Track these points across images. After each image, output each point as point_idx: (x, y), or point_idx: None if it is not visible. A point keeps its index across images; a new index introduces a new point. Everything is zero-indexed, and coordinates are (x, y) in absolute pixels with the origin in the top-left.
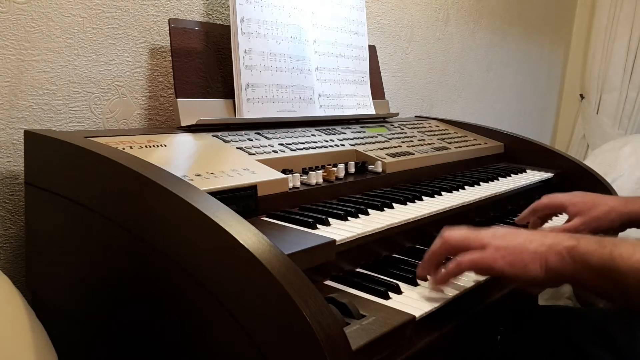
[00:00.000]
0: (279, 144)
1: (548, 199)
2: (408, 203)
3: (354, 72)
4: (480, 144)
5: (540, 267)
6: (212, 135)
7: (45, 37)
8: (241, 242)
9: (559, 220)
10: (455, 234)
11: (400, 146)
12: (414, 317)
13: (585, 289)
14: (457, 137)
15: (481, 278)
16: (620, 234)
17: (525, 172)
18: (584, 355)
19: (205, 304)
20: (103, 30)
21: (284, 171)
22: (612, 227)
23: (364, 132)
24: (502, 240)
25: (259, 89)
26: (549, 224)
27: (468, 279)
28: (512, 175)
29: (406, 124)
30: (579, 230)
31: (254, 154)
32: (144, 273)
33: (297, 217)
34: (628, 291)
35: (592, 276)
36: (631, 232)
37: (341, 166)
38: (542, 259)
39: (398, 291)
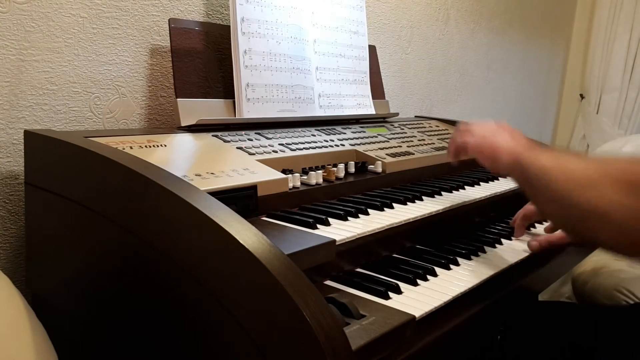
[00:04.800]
0: (279, 144)
1: None
2: (408, 203)
3: (354, 72)
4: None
5: (500, 163)
6: (212, 135)
7: (45, 37)
8: (241, 242)
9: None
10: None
11: (400, 146)
12: (414, 317)
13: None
14: None
15: (481, 278)
16: None
17: None
18: (583, 353)
19: (205, 303)
20: (103, 30)
21: (284, 171)
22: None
23: (364, 132)
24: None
25: (259, 89)
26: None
27: (468, 280)
28: None
29: (406, 124)
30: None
31: (254, 154)
32: (144, 273)
33: (297, 217)
34: (533, 189)
35: (518, 175)
36: None
37: (341, 166)
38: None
39: (398, 291)
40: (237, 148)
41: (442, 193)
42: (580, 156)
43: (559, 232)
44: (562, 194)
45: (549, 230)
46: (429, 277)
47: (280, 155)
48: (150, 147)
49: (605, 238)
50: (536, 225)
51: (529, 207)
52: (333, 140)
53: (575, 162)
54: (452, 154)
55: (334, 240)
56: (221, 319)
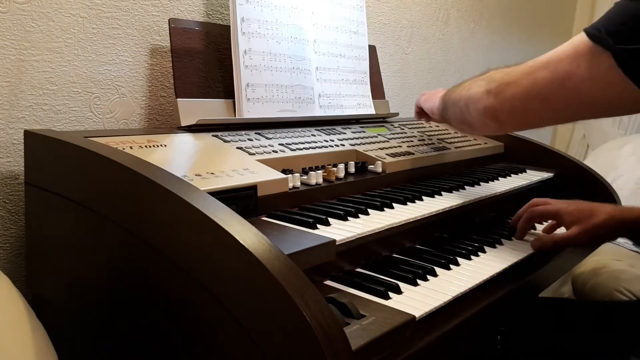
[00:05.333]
0: (279, 144)
1: (543, 208)
2: (408, 203)
3: (354, 72)
4: (480, 144)
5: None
6: (212, 135)
7: (45, 37)
8: (241, 242)
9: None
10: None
11: (400, 146)
12: (414, 317)
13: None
14: (457, 137)
15: (480, 278)
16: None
17: (525, 172)
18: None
19: (205, 304)
20: (103, 30)
21: (284, 171)
22: (611, 235)
23: (364, 132)
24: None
25: (259, 89)
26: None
27: (468, 280)
28: (512, 175)
29: (406, 124)
30: (578, 239)
31: (254, 154)
32: (144, 273)
33: (297, 217)
34: (450, 120)
35: (442, 109)
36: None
37: (341, 166)
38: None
39: (398, 291)
40: (237, 148)
41: (442, 193)
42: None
43: (561, 233)
44: (458, 100)
45: (547, 229)
46: (429, 277)
47: (280, 155)
48: (150, 147)
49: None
50: (536, 226)
51: (533, 210)
52: (333, 140)
53: (460, 88)
54: (415, 113)
55: (334, 240)
56: (221, 319)
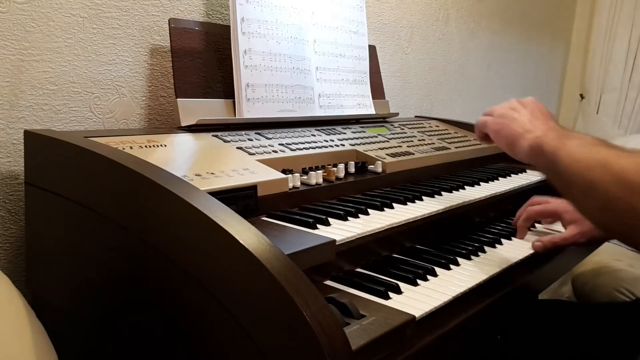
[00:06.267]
0: (279, 144)
1: (542, 207)
2: (408, 203)
3: (354, 72)
4: (480, 144)
5: (518, 148)
6: (212, 135)
7: (45, 37)
8: (241, 242)
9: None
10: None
11: (400, 146)
12: (414, 317)
13: (543, 173)
14: (457, 137)
15: (480, 278)
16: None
17: (525, 172)
18: (583, 350)
19: (206, 304)
20: (103, 30)
21: (284, 171)
22: (608, 236)
23: (364, 132)
24: (500, 115)
25: (259, 89)
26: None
27: (468, 280)
28: (512, 175)
29: (406, 124)
30: (577, 239)
31: (254, 154)
32: (144, 273)
33: (297, 217)
34: (566, 185)
35: (543, 162)
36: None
37: (341, 166)
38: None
39: (398, 291)
40: (237, 148)
41: (442, 193)
42: (619, 148)
43: (562, 234)
44: (611, 197)
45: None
46: (429, 277)
47: (280, 155)
48: (150, 147)
49: None
50: (536, 225)
51: (531, 209)
52: (333, 140)
53: (621, 158)
54: (477, 135)
55: (334, 240)
56: (221, 318)
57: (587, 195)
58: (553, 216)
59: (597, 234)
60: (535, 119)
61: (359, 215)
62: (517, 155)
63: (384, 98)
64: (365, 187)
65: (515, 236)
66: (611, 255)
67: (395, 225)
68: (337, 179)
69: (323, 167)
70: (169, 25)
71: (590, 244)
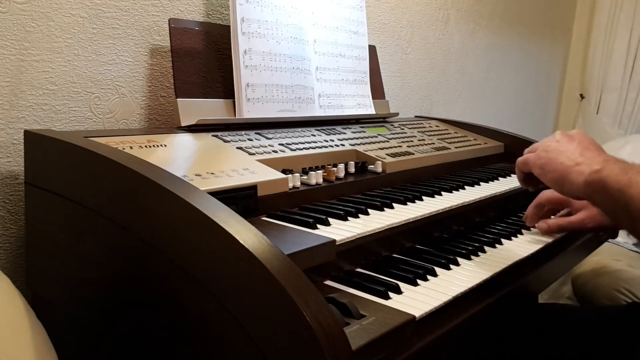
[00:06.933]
0: (279, 144)
1: (551, 193)
2: (408, 203)
3: (354, 72)
4: (480, 144)
5: (572, 184)
6: (212, 135)
7: (45, 37)
8: (241, 242)
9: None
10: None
11: (400, 146)
12: (414, 317)
13: (601, 209)
14: (457, 137)
15: (481, 278)
16: None
17: None
18: (583, 354)
19: (206, 304)
20: (103, 30)
21: (284, 171)
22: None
23: (364, 132)
24: (544, 150)
25: (259, 89)
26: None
27: (468, 280)
28: (512, 175)
29: (406, 124)
30: (584, 223)
31: (254, 154)
32: (144, 273)
33: (297, 217)
34: (637, 222)
35: (606, 198)
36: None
37: (341, 166)
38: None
39: (398, 291)
40: (237, 148)
41: (442, 193)
42: None
43: (569, 218)
44: None
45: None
46: (429, 277)
47: (280, 155)
48: (150, 147)
49: None
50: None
51: (542, 194)
52: (333, 140)
53: None
54: (518, 177)
55: (334, 240)
56: (221, 319)
57: None
58: (563, 202)
59: (605, 220)
60: (587, 151)
61: (359, 215)
62: (568, 191)
63: (384, 98)
64: (365, 187)
65: (515, 236)
66: (611, 255)
67: (395, 225)
68: (337, 179)
69: (323, 167)
70: (169, 25)
71: (595, 231)
